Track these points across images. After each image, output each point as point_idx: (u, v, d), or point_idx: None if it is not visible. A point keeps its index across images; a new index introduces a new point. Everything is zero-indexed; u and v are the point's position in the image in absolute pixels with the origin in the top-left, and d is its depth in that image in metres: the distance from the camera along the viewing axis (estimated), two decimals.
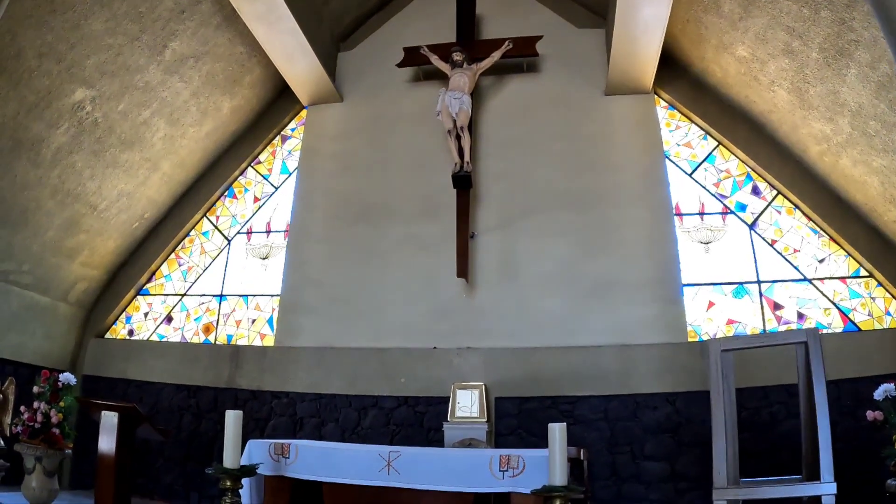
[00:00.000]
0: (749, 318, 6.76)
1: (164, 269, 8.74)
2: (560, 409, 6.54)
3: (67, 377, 5.55)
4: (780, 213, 7.10)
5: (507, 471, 3.17)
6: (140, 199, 8.29)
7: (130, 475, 4.62)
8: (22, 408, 5.31)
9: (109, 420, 4.47)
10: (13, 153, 6.87)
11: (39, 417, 5.25)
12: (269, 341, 7.78)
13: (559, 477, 2.93)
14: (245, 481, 3.62)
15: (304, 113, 8.66)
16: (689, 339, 6.65)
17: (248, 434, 7.76)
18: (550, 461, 2.95)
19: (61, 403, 5.39)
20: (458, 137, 7.19)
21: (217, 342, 8.07)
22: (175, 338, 8.33)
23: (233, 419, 3.59)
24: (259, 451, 3.71)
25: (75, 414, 5.85)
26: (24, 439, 5.21)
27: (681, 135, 7.85)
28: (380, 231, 7.64)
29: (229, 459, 3.47)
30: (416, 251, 7.44)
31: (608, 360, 6.55)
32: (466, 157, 7.20)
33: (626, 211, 7.30)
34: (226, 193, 8.80)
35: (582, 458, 5.22)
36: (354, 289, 7.50)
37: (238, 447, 3.54)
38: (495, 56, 7.50)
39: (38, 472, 5.12)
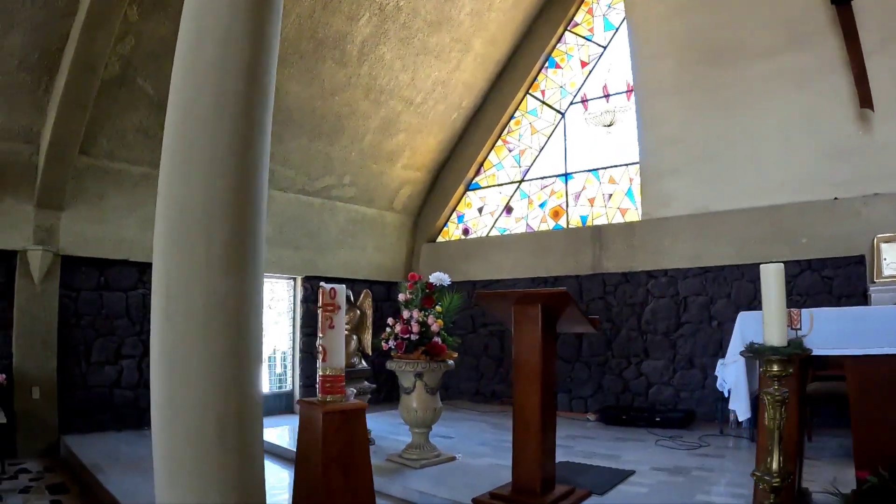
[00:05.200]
0: None
1: (493, 157, 8.15)
2: None
3: (441, 277, 4.63)
4: None
5: None
6: (455, 85, 7.63)
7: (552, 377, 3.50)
8: (390, 320, 4.55)
9: (527, 314, 3.44)
10: (316, 55, 6.37)
11: (416, 327, 4.38)
12: (633, 216, 6.94)
13: None
14: (732, 367, 2.89)
15: None
16: None
17: (622, 322, 6.93)
18: None
19: (438, 309, 4.51)
20: None
21: (570, 226, 7.39)
22: (519, 228, 7.79)
23: (773, 275, 2.18)
24: (752, 325, 2.77)
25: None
26: (399, 355, 4.44)
27: None
28: (739, 71, 6.31)
29: (774, 334, 2.15)
30: (789, 88, 6.06)
31: None
32: None
33: None
34: (546, 65, 7.91)
35: None
36: (723, 142, 6.38)
37: (784, 312, 2.17)
38: None
39: (420, 390, 4.39)
